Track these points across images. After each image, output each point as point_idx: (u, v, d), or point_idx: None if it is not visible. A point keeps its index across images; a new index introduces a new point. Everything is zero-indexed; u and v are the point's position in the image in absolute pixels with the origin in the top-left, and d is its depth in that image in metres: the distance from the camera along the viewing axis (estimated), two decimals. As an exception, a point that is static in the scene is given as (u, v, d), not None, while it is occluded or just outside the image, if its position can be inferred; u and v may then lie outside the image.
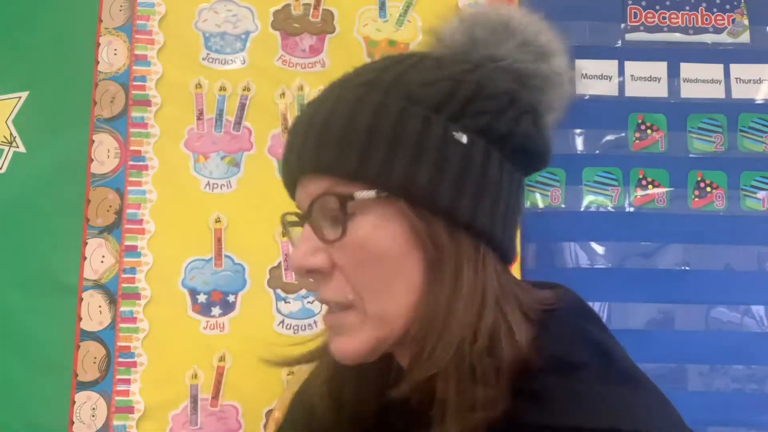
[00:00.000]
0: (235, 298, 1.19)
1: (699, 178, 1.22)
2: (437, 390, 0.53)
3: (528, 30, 0.61)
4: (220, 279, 1.19)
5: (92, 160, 1.20)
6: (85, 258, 1.18)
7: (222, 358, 1.17)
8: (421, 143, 0.54)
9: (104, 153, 1.20)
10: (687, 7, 1.27)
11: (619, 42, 1.26)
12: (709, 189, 1.22)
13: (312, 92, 1.24)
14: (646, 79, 1.25)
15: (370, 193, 0.54)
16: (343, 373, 0.63)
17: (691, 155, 1.23)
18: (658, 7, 1.26)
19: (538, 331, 0.56)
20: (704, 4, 1.27)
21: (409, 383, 0.53)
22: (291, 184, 0.59)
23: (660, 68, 1.25)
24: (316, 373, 0.67)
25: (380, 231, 0.54)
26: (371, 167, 0.54)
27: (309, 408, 0.65)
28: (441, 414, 0.53)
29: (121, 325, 1.17)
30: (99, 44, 1.23)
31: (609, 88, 1.24)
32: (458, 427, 0.52)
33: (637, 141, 1.23)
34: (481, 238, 0.56)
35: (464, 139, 0.55)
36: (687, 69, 1.25)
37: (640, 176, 1.22)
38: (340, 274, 0.55)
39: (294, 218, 0.60)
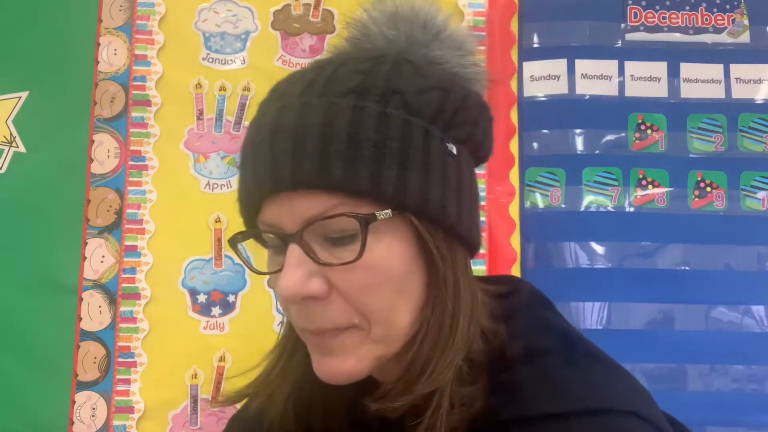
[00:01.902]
0: (235, 298, 1.19)
1: (699, 178, 1.22)
2: (433, 399, 0.52)
3: (442, 21, 0.59)
4: (220, 279, 1.19)
5: (92, 160, 1.20)
6: (85, 258, 1.18)
7: (222, 358, 1.17)
8: (427, 158, 0.52)
9: (104, 153, 1.20)
10: (687, 7, 1.27)
11: (619, 42, 1.26)
12: (709, 189, 1.22)
13: (312, 92, 1.23)
14: (646, 79, 1.25)
15: (387, 212, 0.50)
16: (309, 388, 0.60)
17: (691, 155, 1.23)
18: (658, 7, 1.26)
19: (503, 324, 0.56)
20: (704, 4, 1.27)
21: (405, 400, 0.52)
22: (257, 202, 0.53)
23: (660, 68, 1.25)
24: (261, 397, 0.64)
25: (392, 251, 0.52)
26: (386, 185, 0.50)
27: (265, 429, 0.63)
28: (430, 423, 0.52)
29: (121, 325, 1.17)
30: (99, 44, 1.23)
31: (609, 88, 1.24)
32: (443, 428, 0.52)
33: (637, 141, 1.23)
34: (470, 247, 0.57)
35: (455, 150, 0.54)
36: (687, 69, 1.25)
37: (640, 176, 1.22)
38: (340, 298, 0.52)
39: (256, 238, 0.54)
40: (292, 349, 0.62)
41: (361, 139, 0.50)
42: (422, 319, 0.53)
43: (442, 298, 0.53)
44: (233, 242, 0.57)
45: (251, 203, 0.54)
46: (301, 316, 0.53)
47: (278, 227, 0.52)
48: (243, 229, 0.57)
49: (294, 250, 0.51)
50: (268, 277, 0.56)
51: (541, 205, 1.22)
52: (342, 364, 0.53)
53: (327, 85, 0.53)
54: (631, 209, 1.21)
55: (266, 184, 0.51)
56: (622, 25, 1.26)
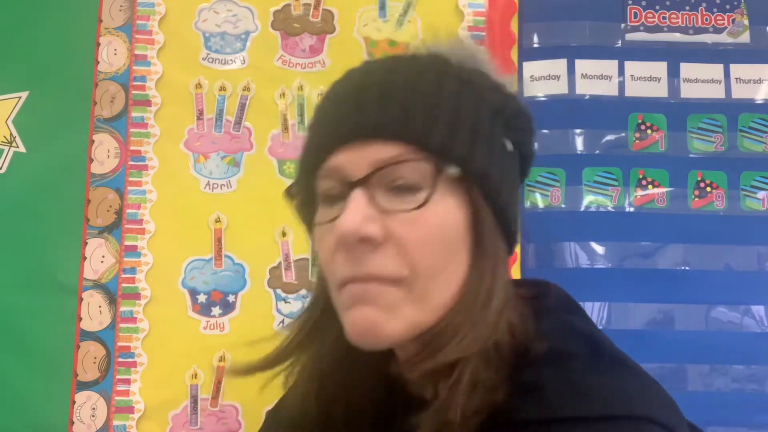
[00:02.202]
0: (235, 298, 1.19)
1: (699, 178, 1.22)
2: (453, 373, 0.52)
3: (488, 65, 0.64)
4: (220, 279, 1.19)
5: (92, 160, 1.20)
6: (85, 258, 1.18)
7: (222, 358, 1.17)
8: (491, 139, 0.56)
9: (104, 153, 1.20)
10: (687, 7, 1.27)
11: (619, 42, 1.26)
12: (709, 189, 1.21)
13: (312, 92, 1.24)
14: (646, 79, 1.25)
15: (457, 170, 0.53)
16: (332, 368, 0.61)
17: (691, 155, 1.23)
18: (658, 7, 1.26)
19: (530, 325, 0.57)
20: (704, 4, 1.27)
21: (431, 365, 0.52)
22: (329, 148, 0.55)
23: (660, 68, 1.25)
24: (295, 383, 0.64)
25: (450, 214, 0.54)
26: (459, 147, 0.53)
27: (290, 418, 0.64)
28: (448, 396, 0.52)
29: (121, 325, 1.17)
30: (99, 44, 1.23)
31: (609, 88, 1.24)
32: (460, 409, 0.51)
33: (637, 141, 1.23)
34: (508, 240, 0.59)
35: (510, 147, 0.58)
36: (687, 69, 1.25)
37: (640, 176, 1.22)
38: (394, 248, 0.53)
39: (325, 186, 0.56)
40: (318, 327, 0.62)
41: (442, 102, 0.54)
42: (458, 294, 0.55)
43: (482, 272, 0.55)
44: (290, 193, 0.59)
45: (322, 151, 0.56)
46: (351, 261, 0.53)
47: (343, 173, 0.54)
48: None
49: (357, 195, 0.53)
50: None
51: (541, 205, 1.22)
52: (382, 321, 0.53)
53: (411, 59, 0.58)
54: (631, 209, 1.21)
55: (345, 130, 0.54)
56: (622, 25, 1.26)
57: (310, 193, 0.58)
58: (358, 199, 0.52)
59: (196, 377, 1.17)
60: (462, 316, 0.54)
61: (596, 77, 1.25)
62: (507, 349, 0.54)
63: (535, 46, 1.26)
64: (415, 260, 0.53)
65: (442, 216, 0.53)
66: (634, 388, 0.54)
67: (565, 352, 0.54)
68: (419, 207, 0.52)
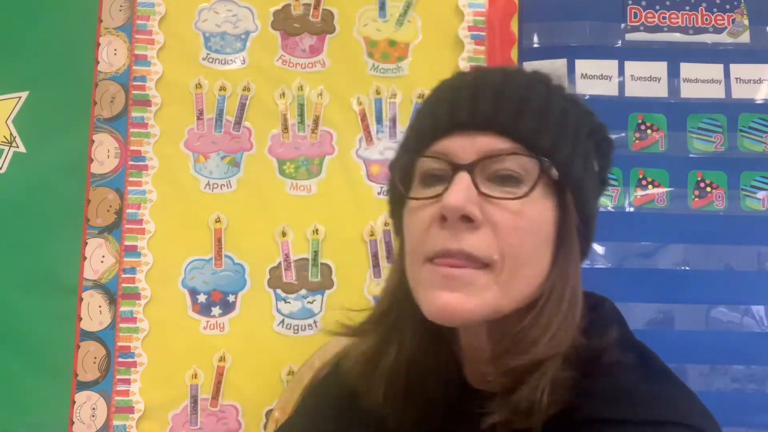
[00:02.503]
0: (235, 298, 1.19)
1: (699, 178, 1.22)
2: (539, 369, 0.55)
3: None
4: (220, 279, 1.19)
5: (92, 160, 1.20)
6: (85, 258, 1.18)
7: (222, 358, 1.17)
8: (586, 155, 0.61)
9: (104, 153, 1.20)
10: (687, 7, 1.27)
11: (619, 42, 1.26)
12: (709, 189, 1.21)
13: (312, 92, 1.24)
14: (646, 79, 1.25)
15: (556, 173, 0.58)
16: (414, 355, 0.63)
17: (691, 155, 1.23)
18: (658, 7, 1.26)
19: (594, 333, 0.60)
20: (704, 4, 1.27)
21: (524, 361, 0.55)
22: (437, 133, 0.60)
23: (660, 68, 1.25)
24: (360, 359, 0.66)
25: (543, 212, 0.58)
26: (561, 154, 0.58)
27: (348, 394, 0.66)
28: (529, 392, 0.55)
29: (121, 325, 1.17)
30: (99, 44, 1.23)
31: (609, 88, 1.24)
32: (537, 405, 0.54)
33: (637, 141, 1.23)
34: (584, 251, 0.63)
35: (596, 168, 0.63)
36: (687, 69, 1.25)
37: (640, 176, 1.22)
38: (490, 232, 0.56)
39: (432, 164, 0.60)
40: (403, 313, 0.64)
41: (550, 112, 0.59)
42: (543, 290, 0.58)
43: (567, 274, 0.59)
44: (393, 166, 0.64)
45: (432, 134, 0.60)
46: (448, 236, 0.57)
47: (452, 157, 0.58)
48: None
49: (463, 177, 0.57)
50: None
51: (541, 205, 1.22)
52: (465, 301, 0.56)
53: (520, 71, 0.65)
54: (631, 209, 1.21)
55: (460, 118, 0.58)
56: (622, 25, 1.26)
57: (408, 171, 0.62)
58: (464, 180, 0.57)
59: (196, 377, 1.17)
60: (552, 315, 0.57)
61: (596, 77, 1.25)
62: (582, 352, 0.57)
63: (535, 46, 1.26)
64: (507, 247, 0.56)
65: (537, 212, 0.58)
66: (678, 396, 0.58)
67: (618, 361, 0.58)
68: (521, 197, 0.56)
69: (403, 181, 0.62)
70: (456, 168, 0.57)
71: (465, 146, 0.58)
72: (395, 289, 0.65)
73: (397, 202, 0.65)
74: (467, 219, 0.56)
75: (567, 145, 0.59)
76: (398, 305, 0.64)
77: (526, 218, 0.57)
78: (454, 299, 0.56)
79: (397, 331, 0.64)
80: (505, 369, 0.56)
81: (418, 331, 0.62)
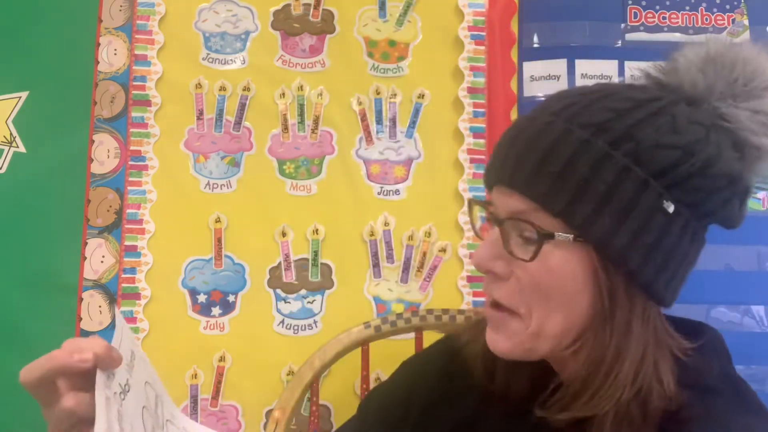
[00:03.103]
0: (235, 298, 1.19)
1: (699, 178, 1.22)
2: (592, 428, 0.58)
3: (761, 78, 0.61)
4: (220, 279, 1.19)
5: (92, 160, 1.20)
6: (85, 258, 1.18)
7: (222, 358, 1.17)
8: (631, 207, 0.57)
9: (104, 153, 1.20)
10: (687, 7, 1.27)
11: (619, 42, 1.26)
12: (709, 189, 1.21)
13: (312, 92, 1.24)
14: (646, 79, 1.25)
15: (569, 237, 0.58)
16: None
17: (691, 155, 1.23)
18: (658, 7, 1.26)
19: (682, 367, 0.61)
20: (704, 4, 1.27)
21: (566, 416, 0.59)
22: (489, 181, 0.64)
23: (660, 68, 1.25)
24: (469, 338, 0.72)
25: (565, 267, 0.59)
26: (578, 216, 0.57)
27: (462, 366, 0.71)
28: None
29: (121, 325, 1.17)
30: (99, 44, 1.23)
31: (609, 88, 1.24)
32: None
33: (637, 141, 1.23)
34: (653, 299, 0.62)
35: (671, 209, 0.58)
36: (687, 69, 1.25)
37: (640, 176, 1.22)
38: (516, 284, 0.61)
39: (480, 205, 0.66)
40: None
41: (575, 170, 0.57)
42: (583, 341, 0.61)
43: (606, 332, 0.59)
44: (471, 203, 0.71)
45: (486, 183, 0.66)
46: (486, 286, 0.64)
47: (493, 208, 0.63)
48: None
49: (494, 233, 0.62)
50: None
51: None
52: (502, 342, 0.63)
53: (579, 112, 0.59)
54: (631, 209, 1.21)
55: (493, 174, 0.63)
56: (622, 25, 1.26)
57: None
58: (494, 237, 0.62)
59: (196, 377, 1.17)
60: (588, 373, 0.59)
61: (596, 77, 1.25)
62: (652, 405, 0.58)
63: (535, 46, 1.26)
64: (527, 301, 0.60)
65: (555, 269, 0.59)
66: None
67: (715, 391, 0.60)
68: (527, 260, 0.59)
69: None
70: (493, 221, 0.62)
71: (501, 202, 0.62)
72: None
73: None
74: (492, 273, 0.61)
75: (588, 204, 0.57)
76: None
77: (544, 274, 0.59)
78: (494, 339, 0.63)
79: None
80: (554, 419, 0.60)
81: None
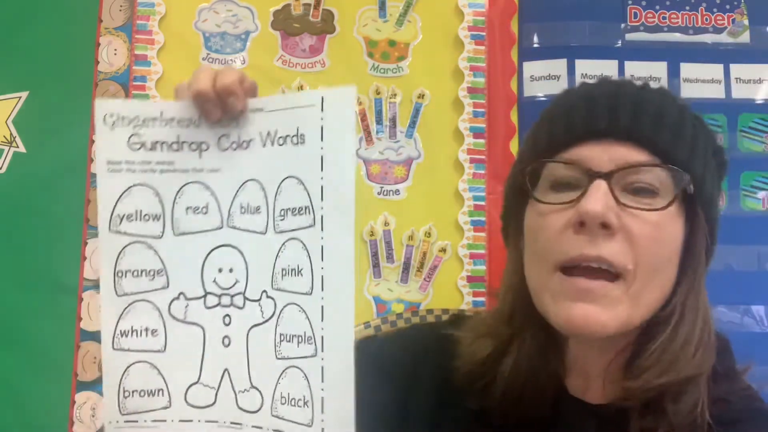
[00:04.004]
0: (235, 298, 1.19)
1: (699, 178, 1.22)
2: (688, 391, 0.58)
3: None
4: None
5: (92, 160, 1.20)
6: (85, 258, 1.18)
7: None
8: (713, 173, 0.62)
9: (104, 153, 1.20)
10: (687, 7, 1.27)
11: (619, 42, 1.26)
12: (709, 189, 1.21)
13: (312, 92, 1.24)
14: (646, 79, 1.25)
15: (692, 189, 0.58)
16: (533, 360, 0.63)
17: (691, 155, 1.23)
18: (658, 7, 1.26)
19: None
20: (704, 4, 1.27)
21: (666, 380, 0.57)
22: (570, 141, 0.60)
23: (660, 68, 1.25)
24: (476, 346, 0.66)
25: (678, 223, 0.59)
26: (696, 167, 0.59)
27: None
28: (687, 411, 0.57)
29: (121, 325, 1.17)
30: (99, 44, 1.23)
31: (609, 88, 1.24)
32: (678, 422, 0.57)
33: (637, 141, 1.23)
34: (709, 264, 0.65)
35: (718, 185, 0.65)
36: (687, 69, 1.25)
37: (640, 176, 1.22)
38: (626, 241, 0.57)
39: (562, 171, 0.60)
40: (526, 318, 0.64)
41: (685, 128, 0.59)
42: (674, 305, 0.60)
43: (697, 291, 0.61)
44: (521, 168, 0.63)
45: (564, 141, 0.60)
46: (586, 241, 0.57)
47: (587, 165, 0.58)
48: None
49: (600, 185, 0.57)
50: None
51: (541, 205, 1.21)
52: (600, 314, 0.57)
53: (649, 85, 0.63)
54: (631, 209, 1.21)
55: (598, 128, 0.59)
56: (622, 25, 1.26)
57: (536, 175, 0.63)
58: (602, 188, 0.57)
59: (196, 377, 1.17)
60: (689, 332, 0.59)
61: (596, 77, 1.24)
62: (718, 375, 0.60)
63: (535, 46, 1.26)
64: (641, 257, 0.57)
65: (671, 225, 0.59)
66: None
67: (750, 385, 0.64)
68: (660, 209, 0.57)
69: (531, 183, 0.62)
70: (593, 176, 0.58)
71: (602, 155, 0.58)
72: (517, 293, 0.65)
73: (515, 206, 0.65)
74: (605, 226, 0.57)
75: (700, 160, 0.60)
76: (521, 310, 0.64)
77: (662, 230, 0.58)
78: (592, 312, 0.57)
79: (518, 335, 0.64)
80: (649, 386, 0.57)
81: (537, 336, 0.63)
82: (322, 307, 0.57)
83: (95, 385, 1.15)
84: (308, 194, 0.58)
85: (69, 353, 1.15)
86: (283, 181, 0.59)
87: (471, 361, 0.65)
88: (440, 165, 1.23)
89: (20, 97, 1.22)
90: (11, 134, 1.21)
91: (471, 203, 1.21)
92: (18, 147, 1.21)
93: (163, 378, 0.60)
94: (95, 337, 1.16)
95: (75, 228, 1.18)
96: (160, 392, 0.60)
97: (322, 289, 0.57)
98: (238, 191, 0.60)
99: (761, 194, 1.21)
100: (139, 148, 0.61)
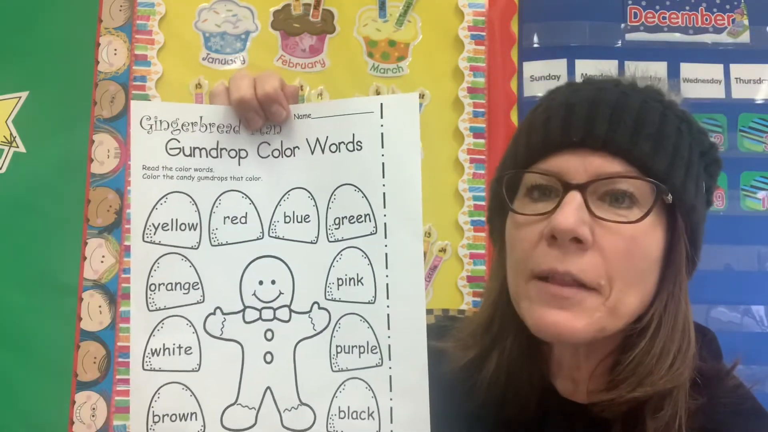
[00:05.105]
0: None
1: (699, 178, 1.22)
2: (664, 401, 0.57)
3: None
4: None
5: (92, 160, 1.20)
6: (85, 258, 1.18)
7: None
8: (698, 177, 0.60)
9: (104, 153, 1.20)
10: (687, 7, 1.27)
11: (619, 42, 1.26)
12: (709, 189, 1.22)
13: (312, 92, 1.24)
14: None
15: (669, 198, 0.57)
16: (513, 364, 0.63)
17: (691, 155, 1.23)
18: (658, 7, 1.26)
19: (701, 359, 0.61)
20: (704, 4, 1.27)
21: (640, 393, 0.56)
22: (547, 151, 0.58)
23: (660, 68, 1.25)
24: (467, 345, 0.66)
25: (654, 234, 0.57)
26: (676, 177, 0.57)
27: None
28: (663, 426, 0.56)
29: (121, 325, 1.17)
30: (99, 44, 1.23)
31: (609, 88, 1.24)
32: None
33: (637, 141, 1.23)
34: (693, 271, 0.63)
35: (704, 188, 0.62)
36: (687, 69, 1.25)
37: (640, 176, 1.22)
38: (597, 255, 0.56)
39: (538, 179, 0.59)
40: (505, 322, 0.64)
41: (666, 134, 0.58)
42: (652, 314, 0.58)
43: (677, 300, 0.58)
44: (499, 177, 0.62)
45: (542, 150, 0.59)
46: (557, 256, 0.56)
47: (563, 175, 0.57)
48: None
49: (575, 197, 0.56)
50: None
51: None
52: (574, 321, 0.56)
53: (634, 86, 0.62)
54: (631, 209, 1.21)
55: (573, 138, 0.57)
56: (622, 25, 1.26)
57: (515, 184, 0.62)
58: (576, 201, 0.56)
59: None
60: (667, 342, 0.57)
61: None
62: (703, 375, 0.58)
63: (535, 46, 1.26)
64: (614, 272, 0.56)
65: (648, 236, 0.57)
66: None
67: (742, 384, 0.62)
68: (635, 221, 0.55)
69: (508, 192, 0.61)
70: (567, 187, 0.56)
71: (577, 166, 0.57)
72: (497, 299, 0.65)
73: (498, 211, 0.65)
74: (577, 240, 0.55)
75: (681, 169, 0.58)
76: (500, 316, 0.64)
77: (637, 243, 0.56)
78: (563, 318, 0.56)
79: (499, 340, 0.64)
80: (622, 399, 0.56)
81: (518, 339, 0.62)
82: (388, 315, 0.56)
83: (95, 385, 1.15)
84: (368, 202, 0.57)
85: (69, 353, 1.16)
86: (336, 188, 0.58)
87: (457, 365, 0.65)
88: (440, 165, 1.23)
89: (20, 97, 1.22)
90: (11, 134, 1.21)
91: (471, 203, 1.21)
92: (18, 147, 1.21)
93: (197, 400, 0.57)
94: (95, 337, 1.16)
95: (75, 228, 1.18)
96: (193, 416, 0.57)
97: (387, 297, 0.56)
98: (281, 200, 0.58)
99: (761, 194, 1.21)
100: (178, 154, 0.58)
